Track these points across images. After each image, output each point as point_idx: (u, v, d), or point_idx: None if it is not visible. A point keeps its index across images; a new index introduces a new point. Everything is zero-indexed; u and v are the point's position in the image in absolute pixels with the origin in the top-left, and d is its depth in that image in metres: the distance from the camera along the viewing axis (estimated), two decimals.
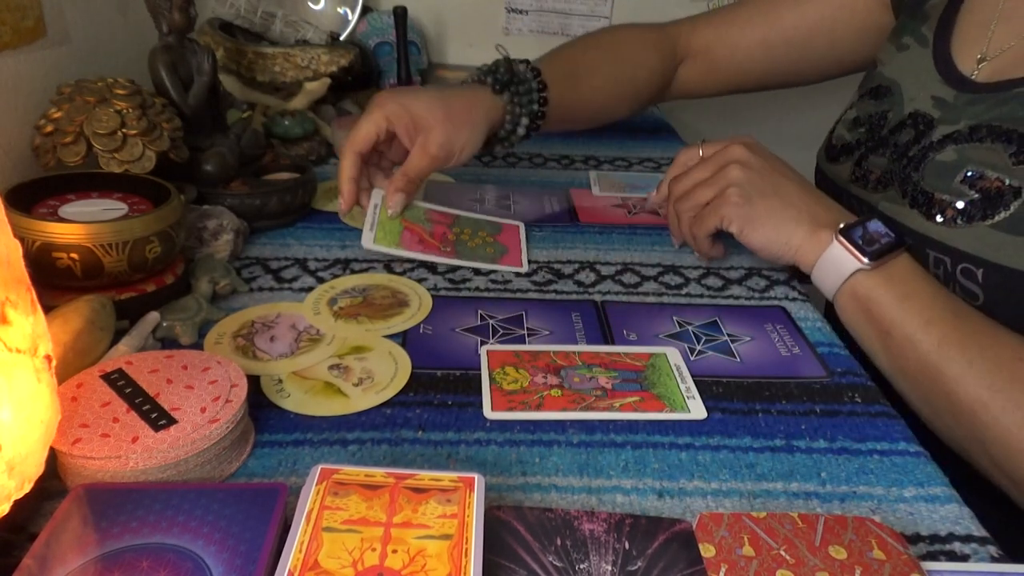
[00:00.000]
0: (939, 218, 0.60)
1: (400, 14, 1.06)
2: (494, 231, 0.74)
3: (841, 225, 0.60)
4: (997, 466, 0.51)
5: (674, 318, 0.63)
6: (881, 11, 0.81)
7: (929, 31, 0.71)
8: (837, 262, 0.60)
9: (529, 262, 0.71)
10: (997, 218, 0.57)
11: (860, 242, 0.59)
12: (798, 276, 0.70)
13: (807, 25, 0.87)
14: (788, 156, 0.67)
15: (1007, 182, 0.57)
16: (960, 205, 0.59)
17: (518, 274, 0.69)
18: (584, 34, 0.94)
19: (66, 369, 0.47)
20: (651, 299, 0.66)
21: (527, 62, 0.79)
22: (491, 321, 0.61)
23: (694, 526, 0.40)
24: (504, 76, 0.76)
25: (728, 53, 0.93)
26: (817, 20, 0.86)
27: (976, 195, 0.58)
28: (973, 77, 0.65)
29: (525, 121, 0.78)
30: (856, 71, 0.88)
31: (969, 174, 0.59)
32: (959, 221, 0.59)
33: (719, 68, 0.95)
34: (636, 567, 0.38)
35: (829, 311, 0.66)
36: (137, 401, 0.43)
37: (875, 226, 0.60)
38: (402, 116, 0.69)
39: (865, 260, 0.58)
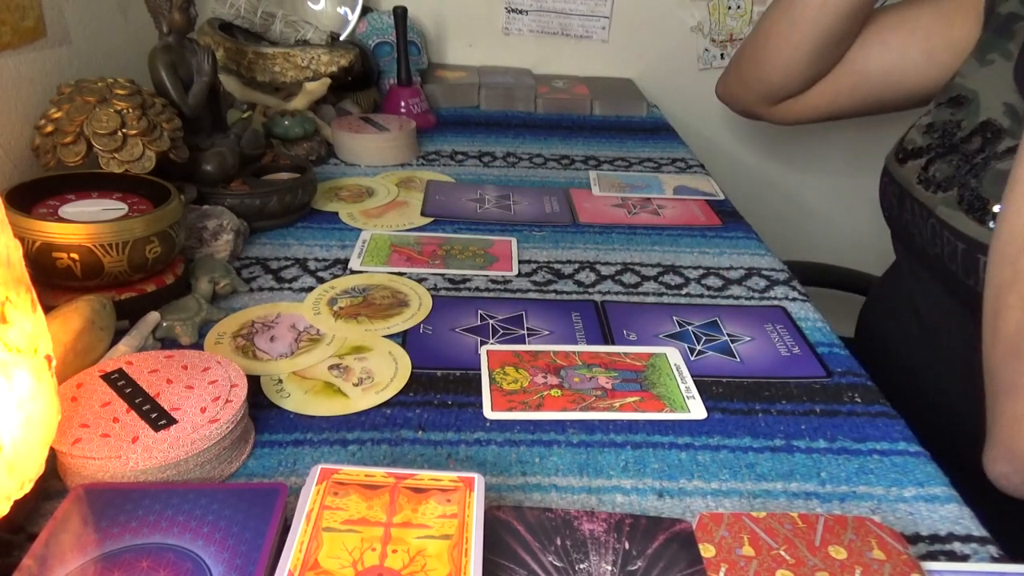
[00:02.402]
0: (992, 224, 0.60)
1: (400, 14, 1.06)
2: (485, 245, 0.74)
3: None
4: None
5: (674, 318, 0.63)
6: (977, 24, 0.79)
7: (1016, 47, 0.71)
8: None
9: (527, 263, 0.71)
10: None
11: None
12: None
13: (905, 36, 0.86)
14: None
15: None
16: None
17: (518, 274, 0.69)
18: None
19: (66, 369, 0.47)
20: (651, 299, 0.66)
21: None
22: (491, 321, 0.61)
23: (694, 526, 0.40)
24: None
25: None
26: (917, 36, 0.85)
27: None
28: None
29: None
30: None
31: None
32: None
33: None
34: (636, 567, 0.38)
35: (825, 312, 0.66)
36: (137, 401, 0.43)
37: None
38: None
39: None
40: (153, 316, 0.55)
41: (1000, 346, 0.51)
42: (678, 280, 0.70)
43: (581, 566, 0.38)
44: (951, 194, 0.67)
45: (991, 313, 0.53)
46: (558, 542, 0.39)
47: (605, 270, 0.71)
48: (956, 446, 0.56)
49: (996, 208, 0.60)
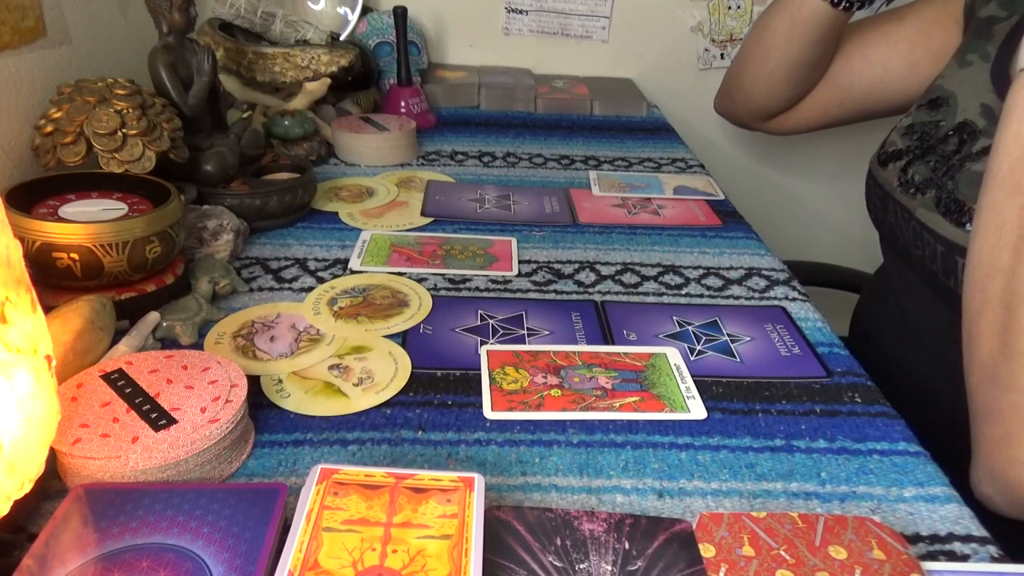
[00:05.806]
0: (968, 227, 0.60)
1: (400, 14, 1.06)
2: (485, 245, 0.74)
3: None
4: None
5: (674, 318, 0.63)
6: (957, 32, 0.80)
7: (993, 48, 0.71)
8: None
9: (527, 263, 0.71)
10: None
11: None
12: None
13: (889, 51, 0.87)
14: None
15: None
16: None
17: (518, 274, 0.69)
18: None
19: (66, 369, 0.47)
20: (651, 299, 0.66)
21: None
22: (491, 321, 0.61)
23: (694, 526, 0.40)
24: None
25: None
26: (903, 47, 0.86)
27: None
28: None
29: None
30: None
31: None
32: None
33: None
34: (636, 567, 0.38)
35: (822, 311, 0.66)
36: (137, 401, 0.43)
37: None
38: None
39: None
40: (153, 316, 0.55)
41: (976, 371, 0.52)
42: (678, 280, 0.70)
43: (581, 566, 0.38)
44: (929, 196, 0.67)
45: (967, 338, 0.54)
46: (558, 542, 0.39)
47: (605, 270, 0.71)
48: (952, 445, 0.56)
49: (973, 207, 0.60)
